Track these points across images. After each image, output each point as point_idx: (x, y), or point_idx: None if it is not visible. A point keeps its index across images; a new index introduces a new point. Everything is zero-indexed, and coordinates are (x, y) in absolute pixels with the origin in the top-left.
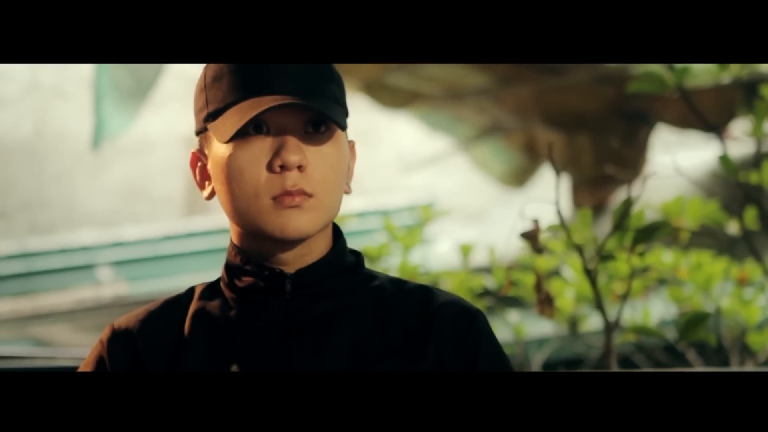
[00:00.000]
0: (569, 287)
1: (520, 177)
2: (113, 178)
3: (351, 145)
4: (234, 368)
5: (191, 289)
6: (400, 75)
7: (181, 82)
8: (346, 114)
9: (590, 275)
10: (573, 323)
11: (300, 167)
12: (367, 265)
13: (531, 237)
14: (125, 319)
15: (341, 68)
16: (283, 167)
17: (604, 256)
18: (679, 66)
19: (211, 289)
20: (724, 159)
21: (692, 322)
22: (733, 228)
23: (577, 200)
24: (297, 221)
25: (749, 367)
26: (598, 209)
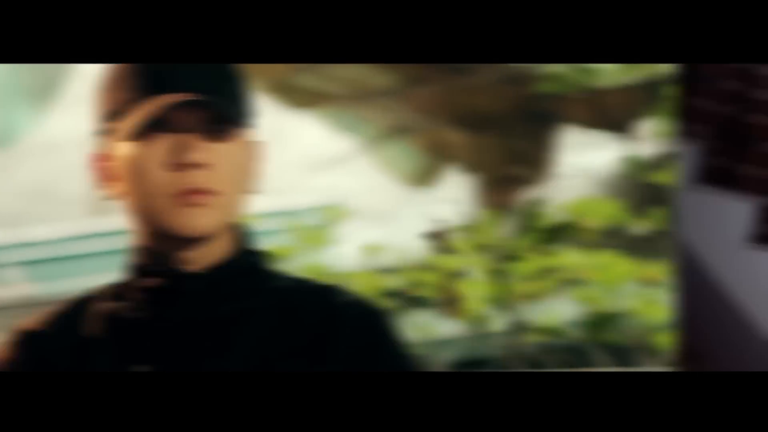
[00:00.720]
0: (476, 287)
1: (426, 177)
2: (19, 178)
3: (259, 145)
4: (141, 369)
5: (97, 290)
6: (306, 75)
7: (86, 83)
8: (249, 113)
9: (497, 275)
10: (480, 323)
11: (202, 165)
12: (273, 265)
13: (437, 237)
14: (30, 321)
15: (247, 69)
16: (185, 165)
17: (512, 257)
18: (585, 66)
19: (117, 290)
20: (630, 159)
21: (599, 322)
22: (639, 228)
23: (484, 201)
24: (199, 219)
25: (652, 367)
26: (506, 210)
